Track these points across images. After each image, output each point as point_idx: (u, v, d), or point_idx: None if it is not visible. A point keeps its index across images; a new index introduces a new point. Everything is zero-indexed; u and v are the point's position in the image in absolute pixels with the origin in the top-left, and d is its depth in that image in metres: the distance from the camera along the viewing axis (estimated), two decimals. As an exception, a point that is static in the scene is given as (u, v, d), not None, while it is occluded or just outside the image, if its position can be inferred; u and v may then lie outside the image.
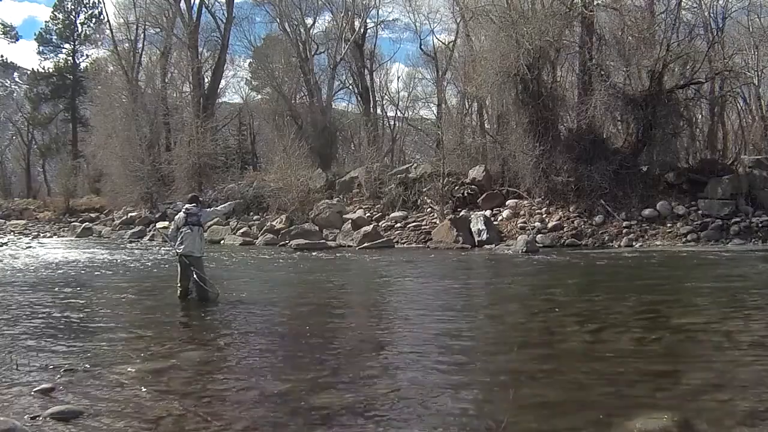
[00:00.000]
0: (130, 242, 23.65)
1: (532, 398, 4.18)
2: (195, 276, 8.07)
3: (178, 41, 33.61)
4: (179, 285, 8.27)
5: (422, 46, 37.80)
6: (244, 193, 26.08)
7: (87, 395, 4.17)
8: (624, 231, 17.68)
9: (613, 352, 5.38)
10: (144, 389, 4.28)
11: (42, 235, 27.62)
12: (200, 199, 8.63)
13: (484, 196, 21.03)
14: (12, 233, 27.61)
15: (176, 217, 8.66)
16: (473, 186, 21.59)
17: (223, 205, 8.66)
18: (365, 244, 18.51)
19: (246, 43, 39.36)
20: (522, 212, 19.67)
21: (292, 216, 22.29)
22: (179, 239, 8.22)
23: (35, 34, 48.44)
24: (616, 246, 16.99)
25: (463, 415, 3.86)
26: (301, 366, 4.97)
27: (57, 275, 11.85)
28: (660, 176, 19.26)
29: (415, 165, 25.10)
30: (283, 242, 20.20)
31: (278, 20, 34.75)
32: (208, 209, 8.43)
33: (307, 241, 19.06)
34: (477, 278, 12.27)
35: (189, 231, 8.14)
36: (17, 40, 61.50)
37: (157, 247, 19.55)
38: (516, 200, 20.35)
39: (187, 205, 8.49)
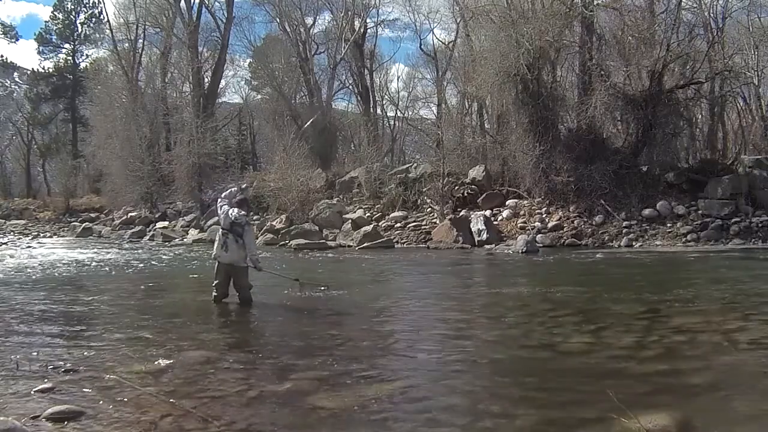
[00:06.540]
0: (130, 242, 23.66)
1: (531, 397, 4.18)
2: (240, 296, 7.77)
3: (178, 41, 33.63)
4: (215, 289, 7.84)
5: (422, 46, 38.02)
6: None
7: (87, 395, 4.17)
8: (624, 231, 17.70)
9: (612, 351, 5.37)
10: (144, 389, 4.28)
11: (42, 235, 27.65)
12: (249, 205, 7.85)
13: (484, 196, 21.04)
14: (12, 233, 27.63)
15: (223, 214, 7.83)
16: (473, 186, 21.60)
17: (252, 249, 7.85)
18: (365, 244, 18.51)
19: (246, 43, 39.51)
20: (522, 212, 19.68)
21: (292, 216, 22.30)
22: (220, 243, 7.72)
23: (35, 34, 48.55)
24: (616, 246, 17.00)
25: (463, 416, 3.86)
26: (302, 366, 4.97)
27: (57, 275, 11.85)
28: (660, 176, 19.27)
29: (415, 165, 25.13)
30: (283, 242, 20.21)
31: (278, 20, 34.83)
32: (249, 236, 7.75)
33: (307, 241, 19.08)
34: (477, 278, 12.28)
35: (233, 240, 7.62)
36: (17, 40, 61.59)
37: (157, 247, 19.55)
38: (516, 200, 20.36)
39: (235, 212, 7.74)
